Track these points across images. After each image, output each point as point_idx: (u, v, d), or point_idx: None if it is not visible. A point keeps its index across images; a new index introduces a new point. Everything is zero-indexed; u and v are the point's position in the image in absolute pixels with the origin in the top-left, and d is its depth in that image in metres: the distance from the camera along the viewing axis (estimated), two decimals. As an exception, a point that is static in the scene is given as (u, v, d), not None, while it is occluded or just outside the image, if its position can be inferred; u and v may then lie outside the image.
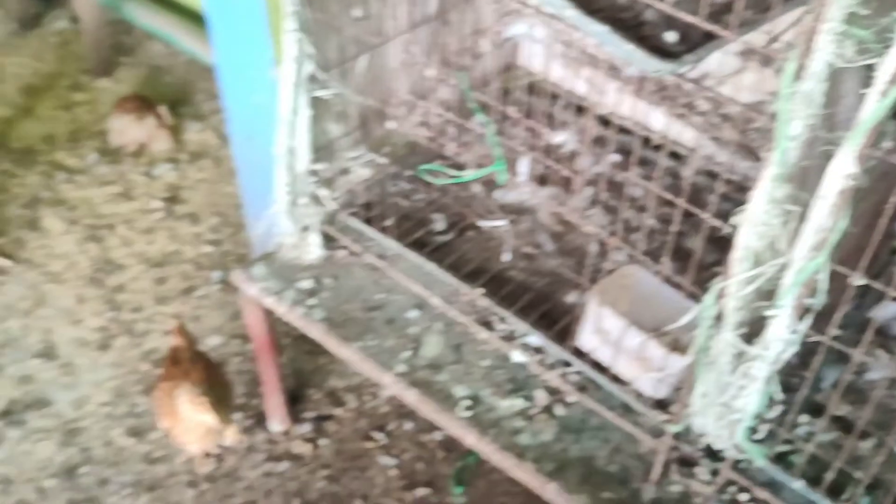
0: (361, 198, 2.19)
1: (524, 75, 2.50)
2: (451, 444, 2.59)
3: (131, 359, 2.81)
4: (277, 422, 2.61)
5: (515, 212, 2.22)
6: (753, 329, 1.41)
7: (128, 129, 3.53)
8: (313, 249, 2.20)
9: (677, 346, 1.59)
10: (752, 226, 1.26)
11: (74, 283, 3.04)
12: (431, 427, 2.61)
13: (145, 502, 2.44)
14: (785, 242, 1.25)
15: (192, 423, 2.24)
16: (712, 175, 2.20)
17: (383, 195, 2.15)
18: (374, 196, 2.21)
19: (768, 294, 1.35)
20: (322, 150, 2.05)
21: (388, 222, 2.07)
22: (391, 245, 2.10)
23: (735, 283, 1.32)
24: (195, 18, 4.04)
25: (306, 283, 2.16)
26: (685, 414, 1.59)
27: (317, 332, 2.08)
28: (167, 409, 2.27)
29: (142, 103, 3.58)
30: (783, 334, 1.35)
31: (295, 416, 2.65)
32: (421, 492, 2.49)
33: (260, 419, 2.65)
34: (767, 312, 1.35)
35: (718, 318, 1.41)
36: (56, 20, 4.25)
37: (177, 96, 3.84)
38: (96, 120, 3.71)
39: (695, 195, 1.96)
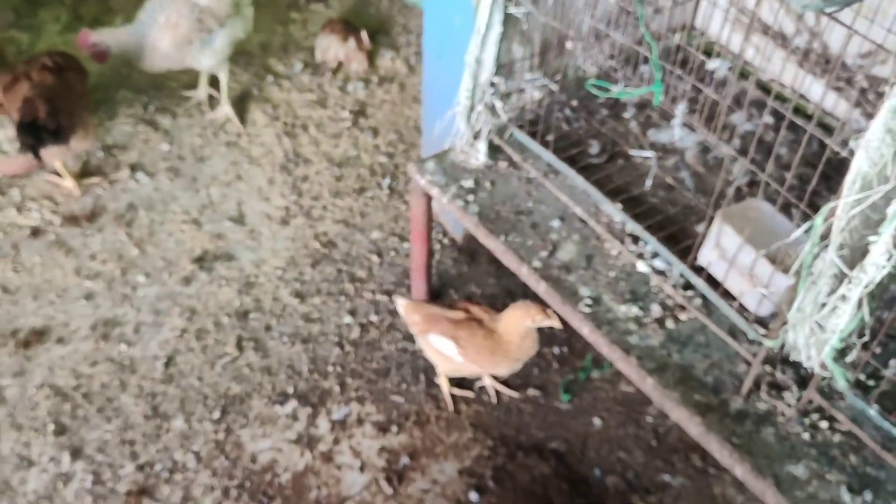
0: (529, 116, 2.47)
1: (698, 35, 2.68)
2: (565, 359, 2.86)
3: (305, 237, 3.25)
4: (402, 296, 2.95)
5: (664, 150, 2.44)
6: (854, 256, 1.59)
7: (331, 48, 3.98)
8: (479, 156, 2.51)
9: (784, 267, 1.77)
10: (866, 151, 1.44)
11: (268, 167, 3.52)
12: (551, 341, 2.88)
13: (298, 350, 2.86)
14: (894, 170, 1.43)
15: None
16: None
17: (549, 116, 2.42)
18: (541, 116, 2.49)
19: (874, 223, 1.53)
20: (504, 67, 2.35)
21: (550, 138, 2.34)
22: (549, 157, 2.37)
23: (844, 204, 1.50)
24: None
25: (468, 183, 2.48)
26: (782, 330, 1.78)
27: (469, 223, 2.40)
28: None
29: (346, 27, 4.01)
30: (881, 260, 1.52)
31: (433, 309, 2.99)
32: (532, 392, 2.77)
33: (403, 305, 3.01)
34: (870, 238, 1.52)
35: (825, 238, 1.59)
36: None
37: (377, 26, 4.26)
38: (306, 37, 4.19)
39: (838, 165, 2.12)
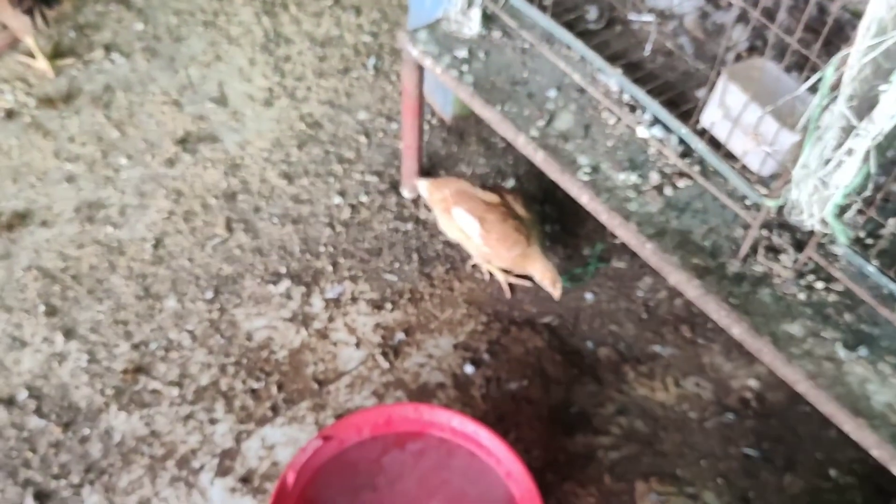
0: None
1: None
2: (557, 237, 2.86)
3: (290, 118, 3.17)
4: (409, 189, 2.93)
5: (662, 15, 2.37)
6: (862, 108, 1.56)
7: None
8: (473, 25, 2.43)
9: (790, 124, 1.75)
10: (884, -7, 1.39)
11: (248, 47, 3.39)
12: (543, 220, 2.87)
13: (289, 231, 2.83)
14: (912, 13, 1.39)
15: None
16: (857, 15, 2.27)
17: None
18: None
19: (885, 73, 1.50)
20: (498, -74, 2.24)
21: (548, 2, 2.26)
22: (546, 23, 2.30)
23: (857, 52, 1.47)
24: None
25: (461, 53, 2.40)
26: (784, 189, 1.77)
27: (464, 94, 2.34)
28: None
29: None
30: (892, 109, 1.50)
31: (423, 189, 2.96)
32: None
33: (394, 185, 2.98)
34: (881, 87, 1.50)
35: (834, 90, 1.56)
36: None
37: None
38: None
39: (838, 31, 2.07)
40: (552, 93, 2.32)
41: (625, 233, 2.05)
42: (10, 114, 3.05)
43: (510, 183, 3.02)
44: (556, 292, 2.52)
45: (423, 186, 2.67)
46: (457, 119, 3.19)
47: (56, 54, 3.26)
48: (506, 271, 2.69)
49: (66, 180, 2.89)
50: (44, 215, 2.80)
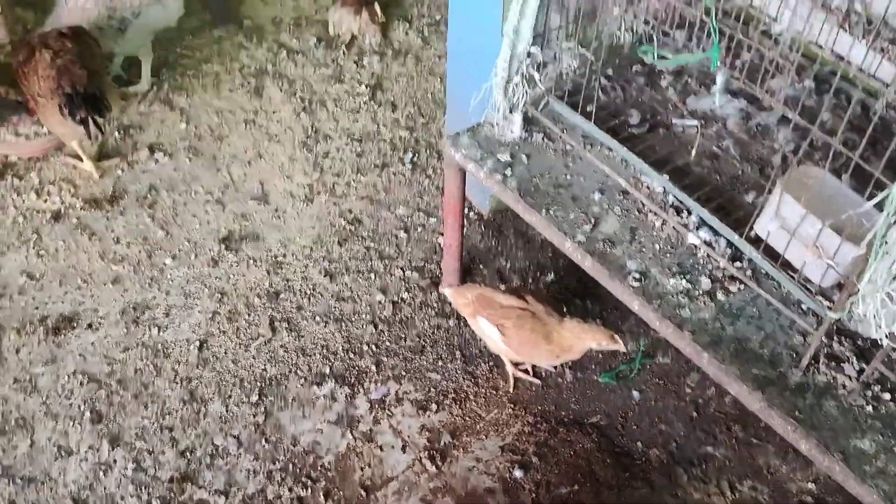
0: (565, 86, 2.42)
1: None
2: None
3: (331, 215, 3.20)
4: (448, 285, 2.93)
5: (705, 118, 2.39)
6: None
7: (344, 22, 3.90)
8: (514, 128, 2.46)
9: (852, 237, 1.74)
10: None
11: (288, 145, 3.46)
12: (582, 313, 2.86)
13: (332, 330, 2.83)
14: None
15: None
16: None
17: (588, 86, 2.36)
18: (577, 86, 2.43)
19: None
20: (539, 36, 2.29)
21: (591, 109, 2.29)
22: (591, 129, 2.32)
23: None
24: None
25: (504, 156, 2.43)
26: (848, 301, 1.74)
27: (509, 198, 2.36)
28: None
29: (358, 0, 3.93)
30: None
31: (461, 284, 2.96)
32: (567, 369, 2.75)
33: (434, 281, 2.98)
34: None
35: (898, 207, 1.55)
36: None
37: (388, -1, 4.18)
38: (317, 11, 4.11)
39: (883, 130, 2.08)
40: (596, 196, 2.33)
41: (679, 341, 2.02)
42: (57, 216, 3.11)
43: (549, 277, 3.01)
44: (620, 346, 2.41)
45: (449, 294, 2.68)
46: (494, 213, 3.21)
47: (101, 156, 3.34)
48: (516, 364, 2.68)
49: (113, 282, 2.92)
50: (90, 318, 2.82)
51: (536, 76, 2.32)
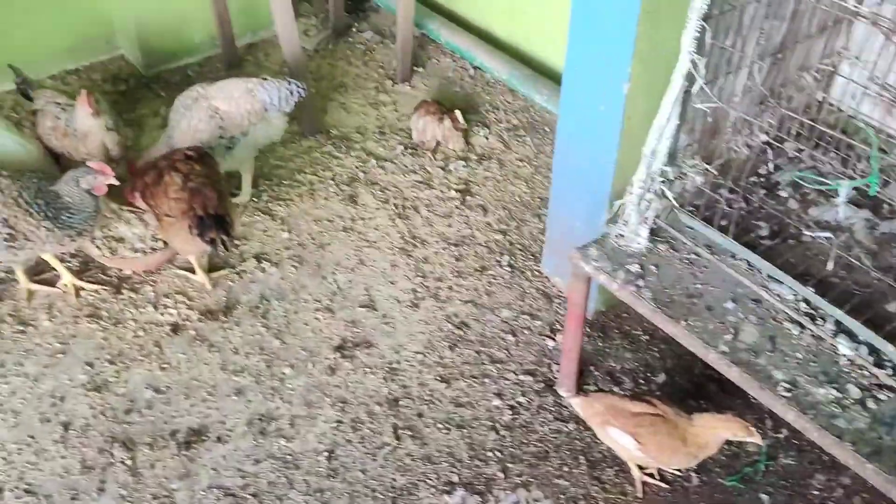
0: (691, 200, 2.54)
1: (836, 111, 2.77)
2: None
3: (437, 319, 3.29)
4: (566, 388, 2.99)
5: (830, 228, 2.50)
6: None
7: (428, 129, 4.07)
8: (641, 240, 2.57)
9: None
10: None
11: (388, 250, 3.58)
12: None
13: (455, 437, 2.88)
14: None
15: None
16: None
17: (714, 199, 2.48)
18: (699, 195, 2.55)
19: None
20: (671, 155, 2.42)
21: (723, 222, 2.40)
22: (725, 242, 2.43)
23: None
24: (486, 38, 4.60)
25: (633, 267, 2.53)
26: None
27: (645, 309, 2.45)
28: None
29: (440, 108, 4.11)
30: None
31: (578, 387, 3.02)
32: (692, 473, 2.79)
33: (548, 384, 3.05)
34: None
35: None
36: (362, 32, 4.91)
37: (464, 105, 4.36)
38: (399, 118, 4.29)
39: None
40: (729, 304, 2.42)
41: (841, 453, 2.07)
42: (176, 328, 3.21)
43: (661, 378, 3.07)
44: (756, 437, 2.43)
45: (577, 405, 2.74)
46: (598, 314, 3.30)
47: (211, 267, 3.45)
48: (642, 468, 2.71)
49: (236, 393, 2.99)
50: (218, 430, 2.88)
51: (668, 192, 2.44)
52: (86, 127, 3.30)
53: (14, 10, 4.12)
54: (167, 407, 2.94)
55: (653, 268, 2.54)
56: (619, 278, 2.50)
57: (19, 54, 4.15)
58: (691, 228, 2.54)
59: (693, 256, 2.55)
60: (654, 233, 2.60)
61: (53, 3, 4.22)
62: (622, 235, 2.60)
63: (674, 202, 2.46)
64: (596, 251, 2.60)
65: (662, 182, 2.43)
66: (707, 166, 2.51)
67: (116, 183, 3.04)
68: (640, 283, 2.49)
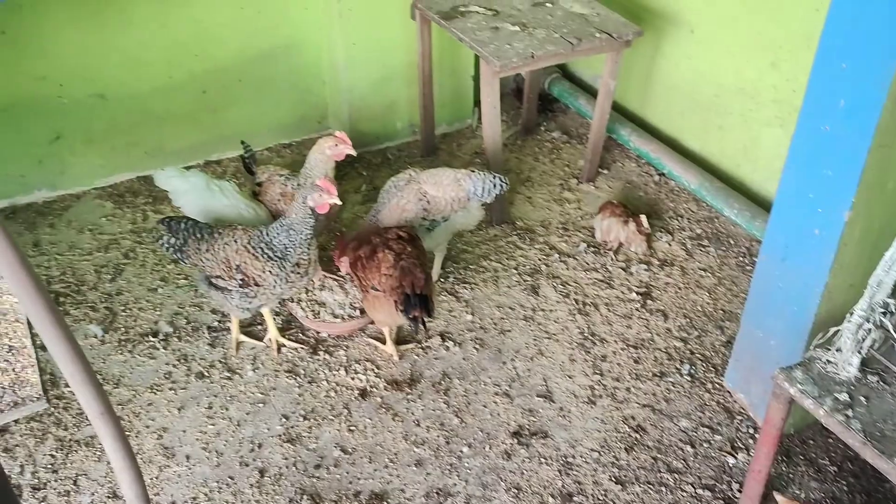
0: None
1: None
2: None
3: (614, 419, 3.31)
4: (749, 510, 2.92)
5: None
6: None
7: (612, 230, 4.17)
8: (851, 369, 2.53)
9: None
10: None
11: (566, 344, 3.65)
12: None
13: (629, 542, 2.86)
14: None
15: None
16: None
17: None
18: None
19: None
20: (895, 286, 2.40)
21: (948, 361, 2.34)
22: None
23: None
24: (675, 148, 4.69)
25: (842, 396, 2.48)
26: None
27: (854, 441, 2.38)
28: None
29: (625, 210, 4.21)
30: None
31: (759, 510, 2.94)
32: None
33: (728, 502, 2.98)
34: None
35: None
36: (550, 131, 5.13)
37: (647, 209, 4.44)
38: (582, 216, 4.43)
39: None
40: (947, 447, 2.33)
41: None
42: (364, 393, 3.39)
43: (849, 513, 2.95)
44: None
45: None
46: (783, 437, 3.21)
47: (399, 340, 3.64)
48: None
49: (416, 464, 3.11)
50: (398, 497, 2.99)
51: (889, 324, 2.41)
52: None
53: (246, 88, 4.62)
54: (352, 468, 3.09)
55: (862, 399, 2.49)
56: (827, 405, 2.46)
57: (245, 127, 4.64)
58: (906, 363, 2.48)
59: (909, 392, 2.48)
60: (865, 363, 2.55)
61: (279, 85, 4.69)
62: (832, 362, 2.57)
63: (892, 332, 2.42)
64: (802, 374, 2.57)
65: (883, 313, 2.40)
66: (928, 300, 2.46)
67: (339, 203, 3.23)
68: (850, 412, 2.44)
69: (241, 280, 3.18)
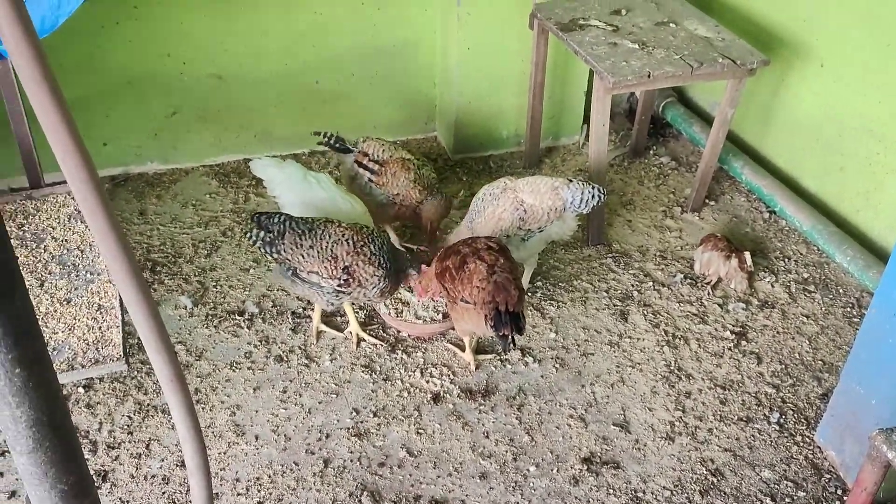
0: None
1: None
2: None
3: (691, 459, 3.15)
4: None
5: None
6: None
7: (712, 263, 3.99)
8: (961, 440, 2.31)
9: None
10: None
11: (650, 375, 3.51)
12: None
13: (693, 590, 2.71)
14: None
15: None
16: None
17: None
18: None
19: None
20: None
21: None
22: None
23: None
24: (789, 184, 4.46)
25: (947, 468, 2.28)
26: None
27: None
28: None
29: (729, 245, 4.02)
30: None
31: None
32: None
33: (807, 566, 2.79)
34: None
35: None
36: (659, 156, 4.98)
37: (752, 247, 4.24)
38: (682, 247, 4.26)
39: None
40: None
41: None
42: (436, 398, 3.35)
43: None
44: None
45: None
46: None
47: (478, 349, 3.58)
48: None
49: (480, 476, 3.05)
50: (458, 508, 2.94)
51: None
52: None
53: (358, 83, 4.68)
54: (416, 471, 3.06)
55: (970, 473, 2.28)
56: (928, 475, 2.26)
57: (352, 120, 4.71)
58: None
59: None
60: (977, 435, 2.33)
61: (391, 83, 4.73)
62: (935, 428, 2.36)
63: None
64: (902, 438, 2.38)
65: None
66: None
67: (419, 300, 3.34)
68: (953, 487, 2.23)
69: (344, 279, 3.20)
